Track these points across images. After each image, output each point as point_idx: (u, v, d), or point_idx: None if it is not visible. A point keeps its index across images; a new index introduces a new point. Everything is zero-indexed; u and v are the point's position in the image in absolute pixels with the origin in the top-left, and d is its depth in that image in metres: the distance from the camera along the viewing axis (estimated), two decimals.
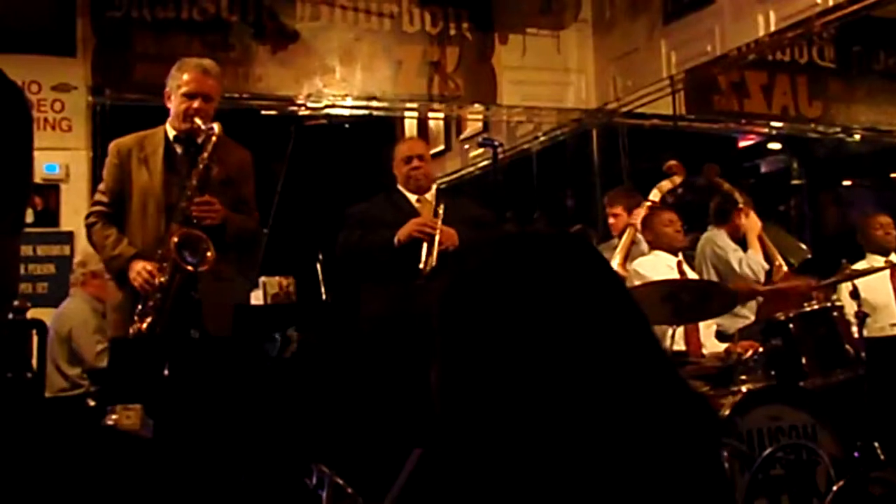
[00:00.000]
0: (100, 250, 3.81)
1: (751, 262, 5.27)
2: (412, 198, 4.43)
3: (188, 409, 3.21)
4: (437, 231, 4.19)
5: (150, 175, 3.71)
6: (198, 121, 3.68)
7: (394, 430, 3.27)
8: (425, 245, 4.16)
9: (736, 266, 5.27)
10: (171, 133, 3.79)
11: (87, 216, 3.84)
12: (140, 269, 3.59)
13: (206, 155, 3.63)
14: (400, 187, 4.48)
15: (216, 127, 3.66)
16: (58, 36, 5.75)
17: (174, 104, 3.77)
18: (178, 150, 3.77)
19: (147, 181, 3.71)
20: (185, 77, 3.76)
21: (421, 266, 4.13)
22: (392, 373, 3.73)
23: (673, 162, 5.38)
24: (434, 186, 4.54)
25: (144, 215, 3.69)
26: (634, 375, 0.95)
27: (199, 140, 3.73)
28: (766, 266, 5.33)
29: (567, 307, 0.96)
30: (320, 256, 5.12)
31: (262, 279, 4.80)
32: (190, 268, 3.55)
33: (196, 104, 3.72)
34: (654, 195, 5.27)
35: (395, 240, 4.21)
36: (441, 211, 4.30)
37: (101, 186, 3.85)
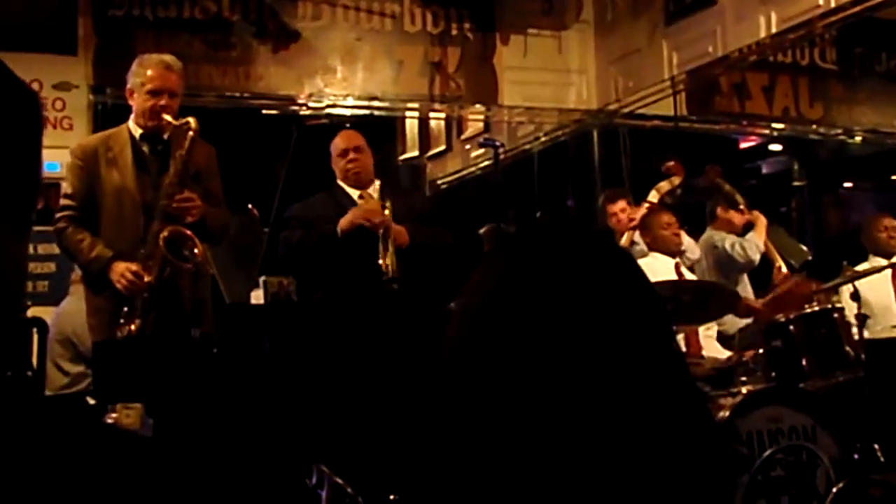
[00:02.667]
0: (74, 255, 3.69)
1: (744, 244, 5.26)
2: (354, 193, 4.30)
3: (192, 408, 3.20)
4: (389, 225, 4.06)
5: (122, 175, 3.63)
6: (167, 117, 3.63)
7: (391, 429, 3.27)
8: (380, 243, 4.02)
9: (728, 249, 5.28)
10: (137, 132, 3.72)
11: (56, 221, 3.68)
12: (123, 271, 3.51)
13: (183, 151, 3.58)
14: (340, 183, 4.36)
15: (192, 121, 3.60)
16: (59, 34, 5.75)
17: (138, 102, 3.70)
18: (145, 148, 3.71)
19: (119, 181, 3.63)
20: (149, 73, 3.69)
21: (380, 262, 3.99)
22: (384, 372, 3.72)
23: (671, 163, 5.29)
24: (377, 182, 4.38)
25: (121, 216, 3.62)
26: (662, 385, 0.95)
27: (166, 136, 3.70)
28: (763, 248, 5.32)
29: (621, 306, 0.95)
30: None
31: (263, 278, 4.79)
32: (189, 265, 3.54)
33: (162, 101, 3.66)
34: (653, 196, 5.17)
35: (338, 230, 4.08)
36: (389, 205, 4.17)
37: (67, 189, 3.72)
